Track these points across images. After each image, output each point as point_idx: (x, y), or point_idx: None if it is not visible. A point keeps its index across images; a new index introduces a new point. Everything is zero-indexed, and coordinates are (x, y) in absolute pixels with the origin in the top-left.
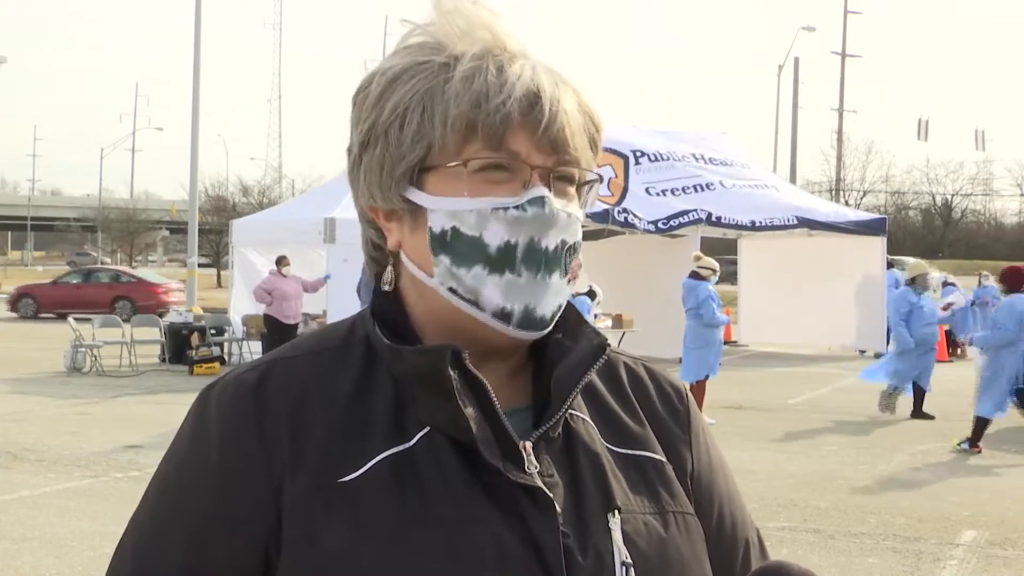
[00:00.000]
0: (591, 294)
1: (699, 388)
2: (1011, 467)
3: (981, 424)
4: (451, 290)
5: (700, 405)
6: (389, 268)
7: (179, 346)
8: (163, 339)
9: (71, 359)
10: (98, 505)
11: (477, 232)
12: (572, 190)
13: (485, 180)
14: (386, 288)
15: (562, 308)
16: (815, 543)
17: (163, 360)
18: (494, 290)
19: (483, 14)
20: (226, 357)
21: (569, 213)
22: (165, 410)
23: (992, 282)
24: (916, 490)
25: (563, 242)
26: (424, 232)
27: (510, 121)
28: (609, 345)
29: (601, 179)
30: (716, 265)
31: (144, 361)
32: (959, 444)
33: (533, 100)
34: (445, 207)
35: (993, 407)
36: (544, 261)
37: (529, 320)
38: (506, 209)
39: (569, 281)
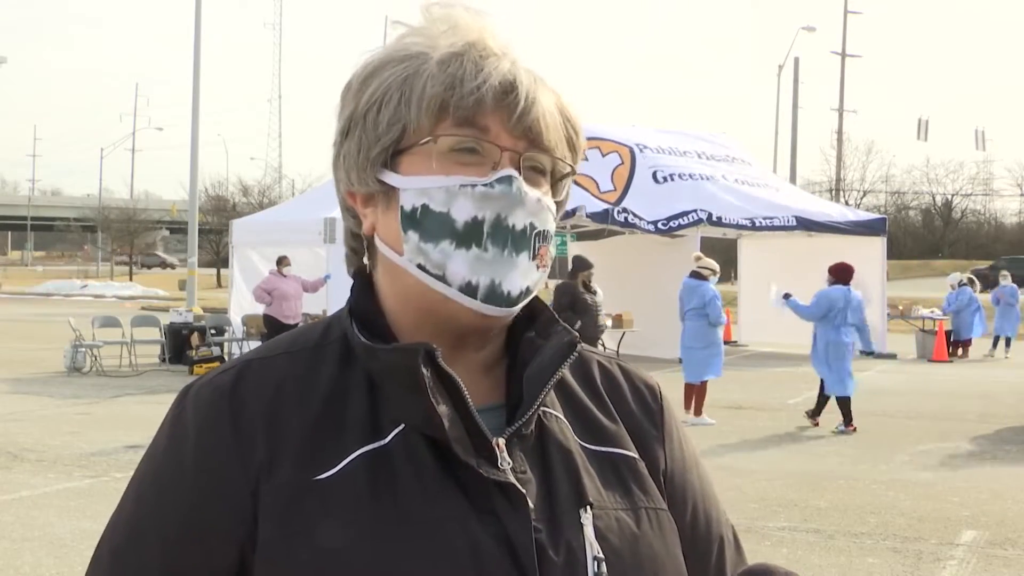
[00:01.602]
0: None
1: (700, 388)
2: (1011, 467)
3: (844, 404)
4: (420, 266)
5: (700, 405)
6: (364, 256)
7: (179, 346)
8: (163, 339)
9: (71, 359)
10: (98, 505)
11: (445, 208)
12: (544, 181)
13: (456, 160)
14: (354, 271)
15: (531, 292)
16: (815, 543)
17: (163, 360)
18: (460, 264)
19: (472, 17)
20: (226, 357)
21: (539, 198)
22: (165, 410)
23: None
24: (916, 490)
25: (531, 225)
26: (396, 212)
27: (483, 105)
28: (580, 342)
29: (574, 171)
30: (716, 265)
31: (144, 361)
32: (836, 428)
33: (508, 88)
34: (416, 185)
35: (843, 387)
36: (511, 239)
37: (495, 295)
38: (474, 186)
39: (539, 267)
